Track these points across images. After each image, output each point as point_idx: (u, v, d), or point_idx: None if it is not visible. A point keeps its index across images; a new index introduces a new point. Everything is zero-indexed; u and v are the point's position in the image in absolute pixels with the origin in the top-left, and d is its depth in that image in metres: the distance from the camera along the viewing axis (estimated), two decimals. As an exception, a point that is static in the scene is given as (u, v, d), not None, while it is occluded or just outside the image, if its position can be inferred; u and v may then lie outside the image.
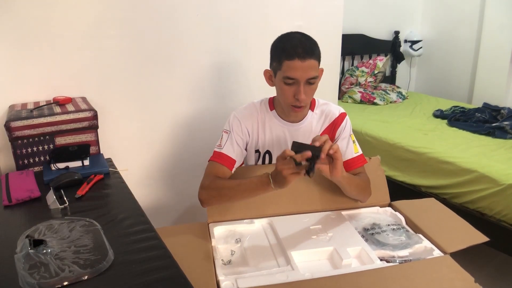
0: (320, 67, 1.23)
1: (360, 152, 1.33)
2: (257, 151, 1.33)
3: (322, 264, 1.05)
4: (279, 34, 1.24)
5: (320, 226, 1.17)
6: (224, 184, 1.19)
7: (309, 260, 1.05)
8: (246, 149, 1.32)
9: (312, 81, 1.17)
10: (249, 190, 1.14)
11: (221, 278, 0.96)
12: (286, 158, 1.00)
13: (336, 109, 1.34)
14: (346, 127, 1.31)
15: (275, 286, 0.92)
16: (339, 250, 1.04)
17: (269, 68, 1.26)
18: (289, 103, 1.21)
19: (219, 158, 1.24)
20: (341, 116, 1.32)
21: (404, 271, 0.98)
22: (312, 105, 1.33)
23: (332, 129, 1.31)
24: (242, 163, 1.34)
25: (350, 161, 1.29)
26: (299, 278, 0.94)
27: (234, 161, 1.25)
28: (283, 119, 1.30)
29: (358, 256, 1.06)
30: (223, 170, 1.23)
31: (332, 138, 1.32)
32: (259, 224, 1.20)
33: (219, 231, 1.17)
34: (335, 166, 1.06)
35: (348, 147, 1.30)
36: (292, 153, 0.99)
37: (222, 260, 1.05)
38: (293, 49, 1.15)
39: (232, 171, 1.24)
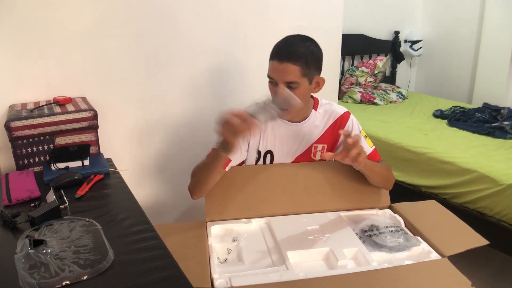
0: (321, 75, 1.24)
1: (374, 145, 1.35)
2: (258, 152, 1.33)
3: (317, 265, 1.04)
4: (279, 34, 1.24)
5: (317, 226, 1.17)
6: (196, 167, 1.25)
7: (305, 260, 1.05)
8: (248, 149, 1.32)
9: (292, 86, 1.18)
10: (208, 164, 1.19)
11: (215, 276, 0.96)
12: (226, 122, 1.02)
13: (340, 108, 1.35)
14: (354, 125, 1.32)
15: (268, 285, 0.92)
16: (335, 251, 1.04)
17: None
18: None
19: None
20: (346, 115, 1.33)
21: (399, 273, 0.98)
22: (315, 105, 1.34)
23: (336, 128, 1.32)
24: (242, 163, 1.34)
25: (369, 157, 1.30)
26: (293, 278, 0.95)
27: (229, 161, 1.25)
28: (286, 119, 1.30)
29: (354, 258, 1.06)
30: None
31: (337, 138, 1.32)
32: (257, 223, 1.20)
33: (216, 229, 1.17)
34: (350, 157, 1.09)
35: (363, 144, 1.31)
36: (229, 115, 1.00)
37: (218, 258, 1.05)
38: (276, 49, 1.21)
39: (226, 169, 1.24)
